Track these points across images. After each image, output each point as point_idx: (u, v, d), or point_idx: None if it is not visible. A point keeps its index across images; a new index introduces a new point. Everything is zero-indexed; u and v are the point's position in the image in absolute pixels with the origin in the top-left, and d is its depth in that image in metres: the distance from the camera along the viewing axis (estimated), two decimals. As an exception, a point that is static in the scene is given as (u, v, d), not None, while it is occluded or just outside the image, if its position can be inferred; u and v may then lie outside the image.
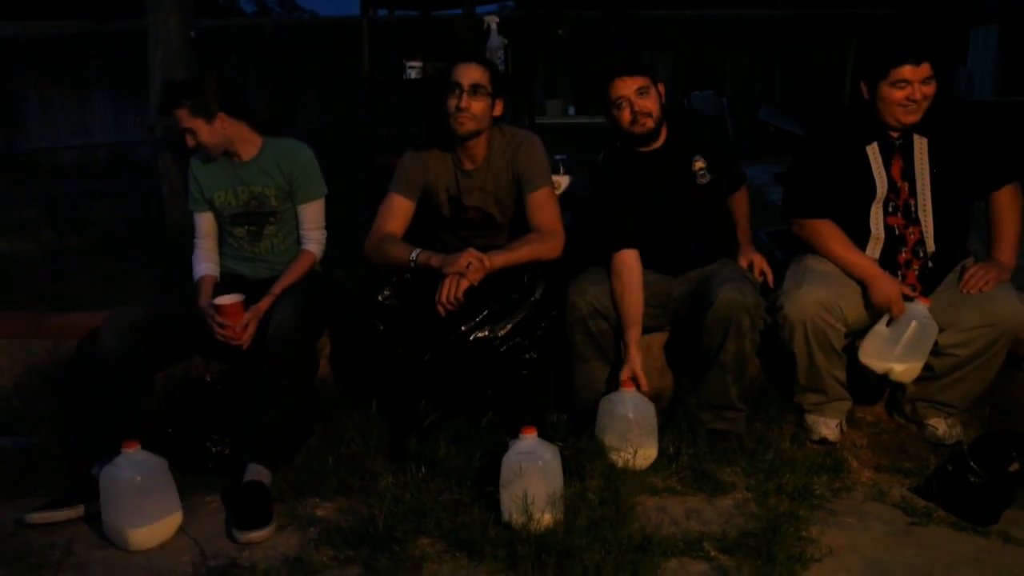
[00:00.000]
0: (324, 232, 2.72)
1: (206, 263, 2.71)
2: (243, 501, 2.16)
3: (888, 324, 2.40)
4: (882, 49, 2.40)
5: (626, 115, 2.49)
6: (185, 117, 2.52)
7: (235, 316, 2.46)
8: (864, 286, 2.45)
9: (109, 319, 2.44)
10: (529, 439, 2.06)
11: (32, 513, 2.16)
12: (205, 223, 2.74)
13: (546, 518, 2.00)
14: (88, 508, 2.16)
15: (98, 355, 2.39)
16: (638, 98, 2.47)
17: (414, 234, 2.64)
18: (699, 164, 2.59)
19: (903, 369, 2.39)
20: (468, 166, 2.62)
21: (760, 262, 2.65)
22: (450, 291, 2.36)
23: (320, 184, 2.69)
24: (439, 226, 2.75)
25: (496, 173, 2.60)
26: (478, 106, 2.48)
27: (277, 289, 2.56)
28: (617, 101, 2.49)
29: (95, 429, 2.32)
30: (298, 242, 2.71)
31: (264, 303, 2.52)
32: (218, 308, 2.46)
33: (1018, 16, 9.05)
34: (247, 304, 2.49)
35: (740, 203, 2.80)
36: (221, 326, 2.45)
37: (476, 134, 2.52)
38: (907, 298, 2.40)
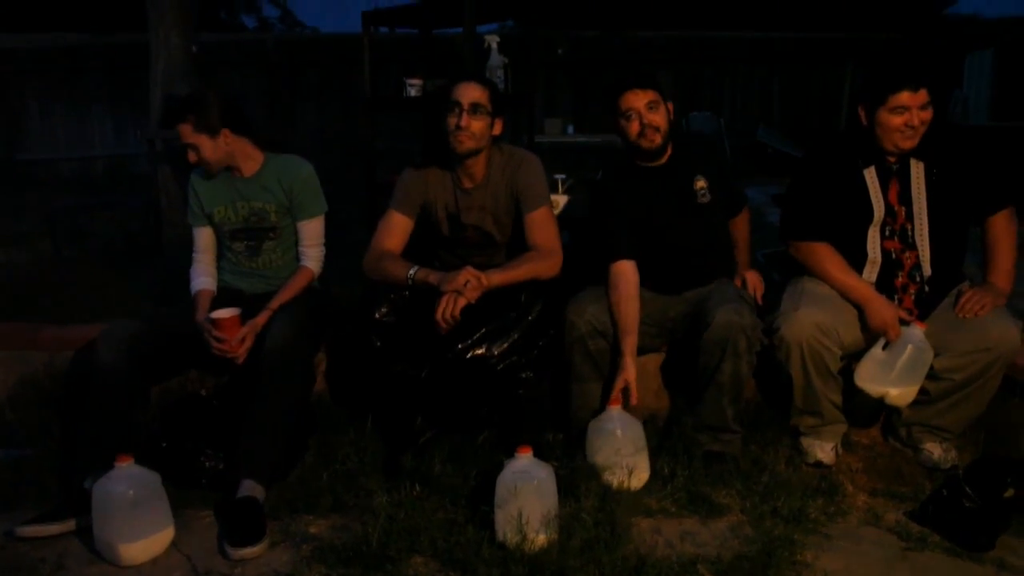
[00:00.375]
0: (323, 249, 2.73)
1: (204, 277, 2.71)
2: (236, 517, 2.15)
3: (884, 348, 2.40)
4: (880, 75, 2.42)
5: (635, 127, 2.51)
6: (188, 133, 2.53)
7: (231, 330, 2.45)
8: (861, 309, 2.45)
9: (106, 332, 2.44)
10: (524, 458, 2.05)
11: (23, 526, 2.15)
12: (204, 237, 2.74)
13: (540, 538, 1.99)
14: (80, 522, 2.15)
15: (94, 368, 2.38)
16: (648, 112, 2.49)
17: (412, 251, 2.65)
18: (700, 183, 2.61)
19: (899, 393, 2.39)
20: (467, 184, 2.62)
21: (753, 278, 2.67)
22: (447, 309, 2.36)
23: (320, 201, 2.70)
24: (437, 244, 2.76)
25: (495, 192, 2.61)
26: (477, 125, 2.49)
27: (274, 304, 2.56)
28: (627, 113, 2.51)
29: (89, 442, 2.31)
30: (297, 258, 2.72)
31: (261, 318, 2.51)
32: (215, 322, 2.45)
33: (1013, 41, 9.14)
34: (244, 318, 2.49)
35: (741, 225, 2.82)
36: (218, 340, 2.45)
37: (475, 153, 2.53)
38: (903, 322, 2.41)
